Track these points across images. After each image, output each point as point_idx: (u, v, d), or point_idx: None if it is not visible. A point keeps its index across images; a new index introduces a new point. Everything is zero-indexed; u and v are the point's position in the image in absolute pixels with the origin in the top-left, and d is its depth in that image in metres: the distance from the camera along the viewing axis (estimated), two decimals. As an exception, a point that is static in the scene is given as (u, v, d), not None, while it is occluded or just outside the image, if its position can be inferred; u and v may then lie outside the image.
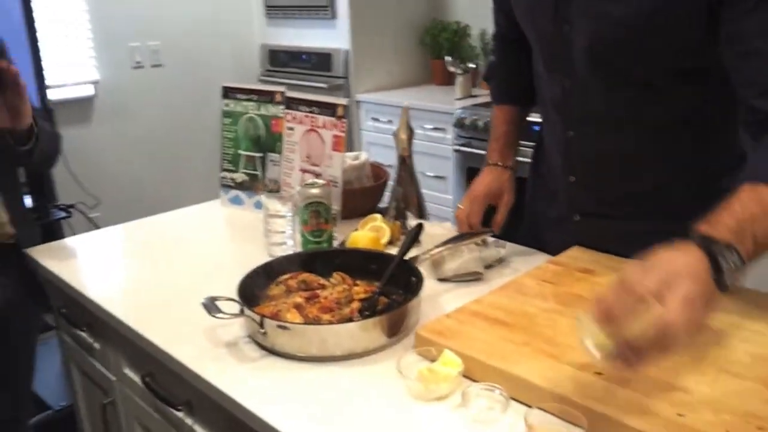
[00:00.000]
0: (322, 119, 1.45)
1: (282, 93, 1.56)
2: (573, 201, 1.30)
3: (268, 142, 1.61)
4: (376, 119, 3.61)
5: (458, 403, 0.88)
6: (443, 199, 3.33)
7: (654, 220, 1.17)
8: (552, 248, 1.31)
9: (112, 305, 1.20)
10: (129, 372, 1.25)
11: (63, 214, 2.02)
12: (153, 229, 1.62)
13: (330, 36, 3.63)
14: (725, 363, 0.88)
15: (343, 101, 1.43)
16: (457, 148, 3.19)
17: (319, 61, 3.68)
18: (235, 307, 1.04)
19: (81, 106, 3.37)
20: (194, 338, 1.07)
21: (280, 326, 0.99)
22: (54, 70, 3.12)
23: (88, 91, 3.36)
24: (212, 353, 1.03)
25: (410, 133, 1.41)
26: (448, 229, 1.44)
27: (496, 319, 1.02)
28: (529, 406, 0.84)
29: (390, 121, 3.49)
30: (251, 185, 1.64)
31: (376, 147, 3.51)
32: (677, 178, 1.19)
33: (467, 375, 0.93)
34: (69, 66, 3.28)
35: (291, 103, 1.51)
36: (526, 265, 1.27)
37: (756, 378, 0.85)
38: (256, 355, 1.02)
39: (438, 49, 3.74)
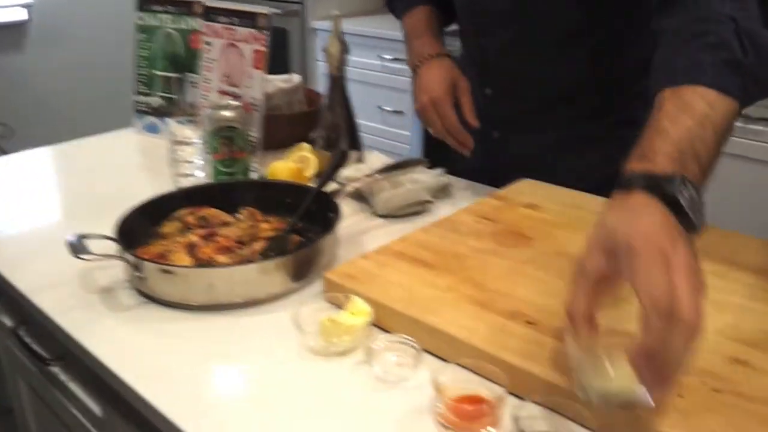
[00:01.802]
0: (241, 32, 1.26)
1: (200, 3, 1.36)
2: (491, 116, 1.19)
3: (186, 61, 1.42)
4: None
5: (362, 359, 0.73)
6: (401, 135, 3.15)
7: (574, 126, 1.13)
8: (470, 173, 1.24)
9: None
10: (6, 321, 1.09)
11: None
12: (54, 160, 1.43)
13: (285, -42, 3.36)
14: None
15: (264, 10, 1.24)
16: (419, 80, 2.99)
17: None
18: (112, 246, 0.88)
19: (11, 32, 3.09)
20: (67, 283, 0.90)
21: (158, 270, 0.83)
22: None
23: (21, 15, 3.08)
24: (83, 301, 0.86)
25: (343, 47, 1.23)
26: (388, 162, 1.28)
27: (420, 260, 0.87)
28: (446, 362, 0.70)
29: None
30: (168, 111, 1.45)
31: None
32: (593, 80, 1.11)
33: (380, 326, 0.78)
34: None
35: (210, 14, 1.31)
36: (471, 200, 1.11)
37: (714, 330, 0.72)
38: (131, 302, 0.86)
39: (402, -25, 3.49)
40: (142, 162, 1.41)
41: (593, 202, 1.02)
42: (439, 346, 0.72)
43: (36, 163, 1.40)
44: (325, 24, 3.38)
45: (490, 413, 0.62)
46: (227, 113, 1.12)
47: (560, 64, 1.10)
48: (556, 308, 0.72)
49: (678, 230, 0.59)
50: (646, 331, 0.53)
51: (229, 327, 0.81)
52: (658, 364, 0.53)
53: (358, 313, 0.77)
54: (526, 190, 1.09)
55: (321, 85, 1.40)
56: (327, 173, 1.02)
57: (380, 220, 1.08)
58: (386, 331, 0.78)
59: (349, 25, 3.26)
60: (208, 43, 1.32)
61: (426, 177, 1.13)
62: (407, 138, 3.13)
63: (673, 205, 0.60)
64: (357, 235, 1.03)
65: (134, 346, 0.78)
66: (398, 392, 0.69)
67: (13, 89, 3.13)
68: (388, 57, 3.12)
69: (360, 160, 1.27)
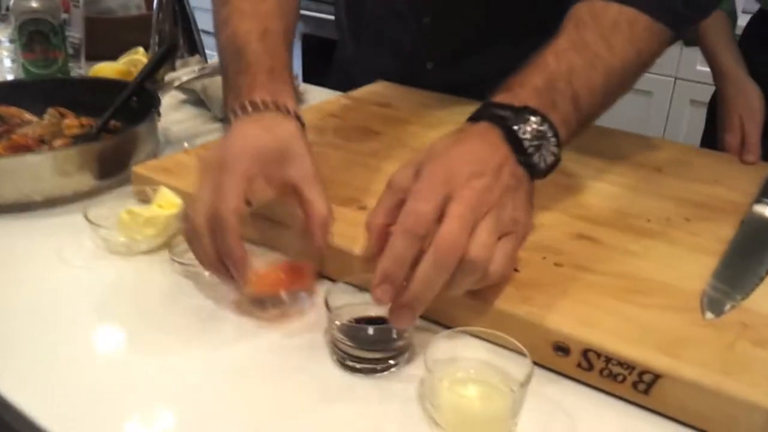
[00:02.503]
0: None
1: None
2: (426, 47, 1.01)
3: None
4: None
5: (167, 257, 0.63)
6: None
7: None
8: None
9: None
10: None
11: None
12: None
13: None
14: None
15: None
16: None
17: None
18: None
19: None
20: None
21: None
22: None
23: None
24: None
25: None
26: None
27: (248, 154, 0.76)
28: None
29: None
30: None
31: None
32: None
33: (194, 222, 0.67)
34: None
35: None
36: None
37: (561, 209, 0.66)
38: None
39: None
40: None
41: (454, 102, 0.95)
42: (257, 233, 0.63)
43: None
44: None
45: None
46: (34, 3, 0.97)
47: None
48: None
49: (503, 168, 0.50)
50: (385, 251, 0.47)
51: (19, 230, 0.68)
52: (397, 289, 0.46)
53: (165, 205, 0.66)
54: (381, 90, 1.00)
55: None
56: (149, 65, 0.88)
57: (218, 124, 0.97)
58: (202, 227, 0.67)
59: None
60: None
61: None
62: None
63: (513, 139, 0.52)
64: (189, 138, 0.91)
65: None
66: (208, 288, 0.59)
67: None
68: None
69: (201, 64, 1.14)
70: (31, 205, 0.71)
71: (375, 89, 1.00)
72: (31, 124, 0.84)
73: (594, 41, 0.60)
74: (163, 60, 0.90)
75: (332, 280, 0.57)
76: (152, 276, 0.61)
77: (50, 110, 0.86)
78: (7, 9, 1.21)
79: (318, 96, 1.07)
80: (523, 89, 0.55)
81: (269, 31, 0.67)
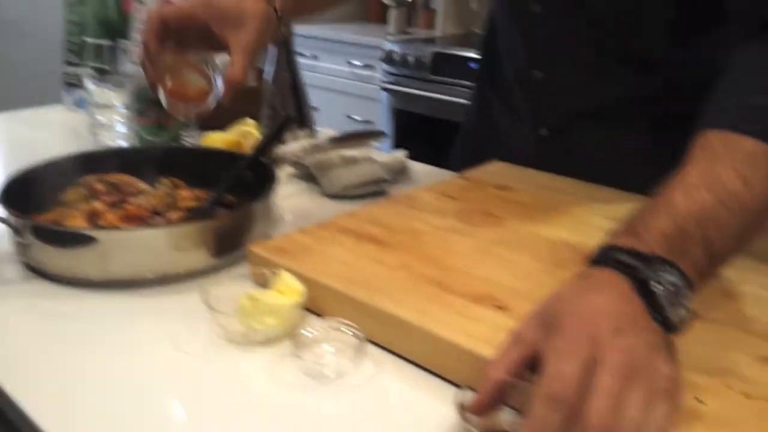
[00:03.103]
0: (179, -11, 1.11)
1: (137, -39, 1.21)
2: (539, 109, 0.97)
3: (120, 26, 1.26)
4: (299, 53, 3.25)
5: (291, 350, 0.58)
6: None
7: (640, 132, 0.87)
8: None
9: None
10: None
11: None
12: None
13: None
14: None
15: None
16: (386, 86, 2.87)
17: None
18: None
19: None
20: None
21: (39, 231, 0.66)
22: None
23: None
24: (-48, 271, 0.70)
25: None
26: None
27: (368, 236, 0.72)
28: (398, 356, 0.55)
29: (315, 57, 3.13)
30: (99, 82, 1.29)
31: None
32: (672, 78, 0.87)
33: (314, 310, 0.63)
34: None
35: (145, -29, 1.17)
36: (435, 180, 0.97)
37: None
38: (14, 276, 0.69)
39: (374, -19, 3.39)
40: (67, 140, 1.24)
41: (573, 185, 0.89)
42: (386, 333, 0.57)
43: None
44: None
45: None
46: (156, 72, 0.97)
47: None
48: (531, 292, 0.59)
49: (639, 323, 0.45)
50: (528, 419, 0.42)
51: (130, 309, 0.65)
52: None
53: (286, 291, 0.61)
54: (497, 171, 0.95)
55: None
56: (266, 139, 0.87)
57: (329, 201, 0.93)
58: (322, 316, 0.62)
59: (318, 31, 3.14)
60: (140, 2, 1.16)
61: (384, 156, 0.99)
62: (375, 148, 2.99)
63: (645, 293, 0.47)
64: (301, 216, 0.88)
65: (12, 328, 0.61)
66: (335, 391, 0.54)
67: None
68: (357, 63, 3.00)
69: (310, 138, 1.12)
70: (142, 282, 0.68)
71: (490, 169, 0.95)
72: (145, 193, 0.82)
73: (728, 177, 0.52)
74: (280, 134, 0.88)
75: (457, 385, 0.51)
76: (274, 373, 0.56)
77: (163, 180, 0.85)
78: (122, 73, 1.24)
79: (421, 171, 1.04)
80: (649, 233, 0.50)
81: None
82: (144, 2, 1.15)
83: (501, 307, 0.58)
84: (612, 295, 0.47)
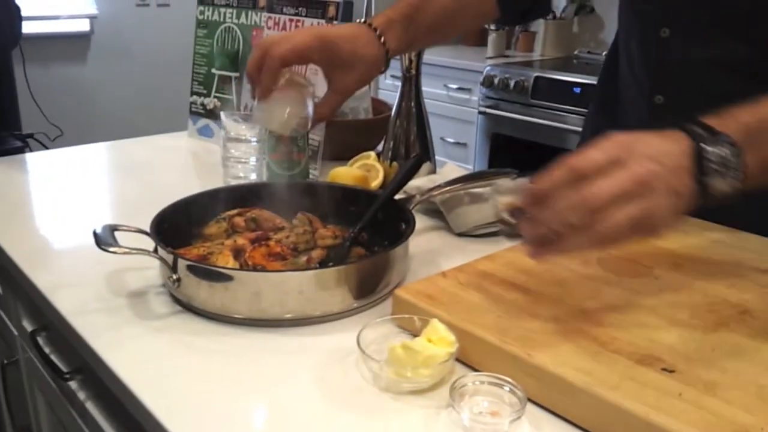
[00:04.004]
0: (309, 23, 1.13)
1: (266, -5, 1.25)
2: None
3: (246, 59, 1.30)
4: (396, 76, 3.28)
5: (446, 402, 0.57)
6: (464, 169, 2.99)
7: None
8: None
9: (9, 240, 0.90)
10: (26, 325, 0.96)
11: (18, 143, 1.74)
12: (99, 158, 1.33)
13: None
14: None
15: (335, -1, 1.12)
16: (483, 110, 2.85)
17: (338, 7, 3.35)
18: (149, 244, 0.74)
19: (74, 43, 3.08)
20: (92, 284, 0.77)
21: (194, 269, 0.68)
22: (46, 1, 2.85)
23: (83, 26, 3.07)
24: (108, 304, 0.73)
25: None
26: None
27: (513, 284, 0.70)
28: (558, 416, 0.53)
29: (412, 80, 3.14)
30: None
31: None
32: None
33: (464, 360, 0.62)
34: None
35: (275, 5, 1.20)
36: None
37: None
38: (164, 310, 0.71)
39: (471, 5, 3.38)
40: (192, 165, 1.29)
41: (717, 229, 0.84)
42: (547, 393, 0.56)
43: (80, 161, 1.29)
44: (389, 50, 3.28)
45: None
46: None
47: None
48: (698, 354, 0.56)
49: (678, 171, 0.54)
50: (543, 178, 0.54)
51: (277, 348, 0.66)
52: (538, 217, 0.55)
53: (438, 341, 0.60)
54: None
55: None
56: (398, 178, 0.87)
57: (457, 239, 0.93)
58: (472, 368, 0.61)
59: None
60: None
61: (513, 192, 0.97)
62: (469, 171, 2.98)
63: (698, 156, 0.55)
64: (430, 254, 0.88)
65: (160, 362, 0.63)
66: (493, 448, 0.53)
67: (72, 98, 3.10)
68: (453, 86, 3.00)
69: (432, 172, 1.12)
70: (285, 321, 0.69)
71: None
72: (284, 230, 0.84)
73: None
74: (413, 172, 0.88)
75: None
76: (430, 425, 0.55)
77: (300, 216, 0.87)
78: (250, 109, 1.28)
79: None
80: (731, 119, 0.57)
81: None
82: (274, 37, 1.18)
83: (669, 370, 0.55)
84: (667, 142, 0.55)
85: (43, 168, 1.25)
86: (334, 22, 1.10)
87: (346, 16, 1.08)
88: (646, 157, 0.53)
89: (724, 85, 0.85)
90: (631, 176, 0.52)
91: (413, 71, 1.08)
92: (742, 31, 0.83)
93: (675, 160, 0.54)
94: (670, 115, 0.91)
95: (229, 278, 0.67)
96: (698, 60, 0.88)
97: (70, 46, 3.07)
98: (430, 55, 3.05)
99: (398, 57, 1.10)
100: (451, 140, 3.06)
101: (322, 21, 1.11)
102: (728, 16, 0.84)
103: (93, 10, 3.05)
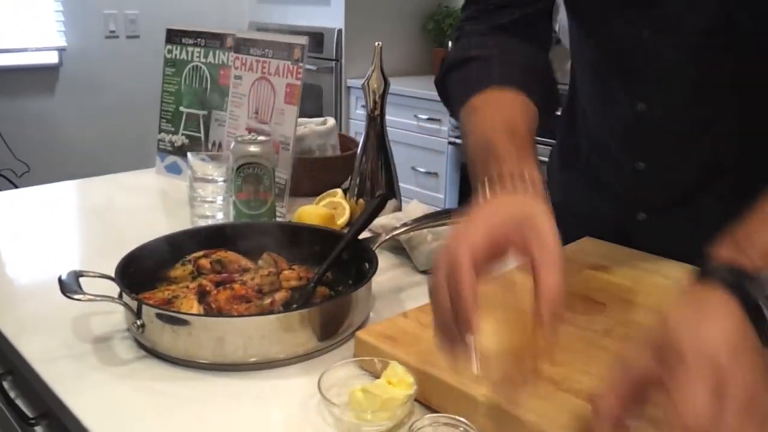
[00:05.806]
0: (275, 64, 1.16)
1: (234, 36, 1.27)
2: (639, 195, 0.96)
3: (213, 98, 1.32)
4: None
5: (404, 445, 0.59)
6: (435, 198, 3.04)
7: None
8: None
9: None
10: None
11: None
12: (64, 197, 1.33)
13: (323, 14, 3.34)
14: None
15: (302, 40, 1.14)
16: (453, 140, 2.90)
17: (309, 41, 3.40)
18: (115, 289, 0.75)
19: (43, 76, 3.08)
20: (58, 329, 0.77)
21: (159, 316, 0.69)
22: (14, 33, 2.85)
23: (52, 58, 3.07)
24: (73, 350, 0.73)
25: (384, 84, 1.12)
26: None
27: (472, 324, 0.72)
28: (511, 457, 0.55)
29: (382, 110, 3.19)
30: (192, 150, 1.34)
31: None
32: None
33: (424, 401, 0.63)
34: (32, 30, 2.99)
35: (242, 45, 1.22)
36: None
37: None
38: (129, 356, 0.72)
39: (441, 37, 3.45)
40: (159, 204, 1.30)
41: (667, 266, 0.88)
42: (503, 430, 0.57)
43: (45, 200, 1.29)
44: (360, 82, 3.33)
45: None
46: (253, 148, 1.01)
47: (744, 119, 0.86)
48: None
49: (751, 346, 0.47)
50: None
51: (241, 392, 0.67)
52: None
53: (398, 383, 0.62)
54: (590, 249, 0.95)
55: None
56: (362, 218, 0.89)
57: (421, 277, 0.94)
58: (432, 409, 0.63)
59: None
60: (237, 77, 1.22)
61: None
62: (441, 201, 3.01)
63: (754, 313, 0.48)
64: (394, 292, 0.89)
65: (125, 409, 0.64)
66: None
67: (40, 133, 3.09)
68: (423, 117, 3.04)
69: (398, 209, 1.14)
70: (248, 365, 0.70)
71: (584, 247, 0.95)
72: (249, 271, 0.85)
73: None
74: (378, 212, 0.90)
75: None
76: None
77: (265, 256, 0.88)
78: (218, 146, 1.29)
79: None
80: (753, 248, 0.51)
81: (516, 132, 0.71)
82: (242, 78, 1.20)
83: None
84: (726, 318, 0.48)
85: (9, 208, 1.24)
86: (300, 63, 1.12)
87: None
88: (732, 362, 0.45)
89: (707, 149, 0.88)
90: (740, 407, 0.44)
91: (377, 111, 1.11)
92: (724, 99, 0.85)
93: (743, 336, 0.47)
94: (659, 189, 0.93)
95: (192, 324, 0.68)
96: (679, 129, 0.89)
97: (38, 79, 3.07)
98: (400, 86, 3.12)
99: (365, 93, 1.13)
100: (422, 170, 3.09)
101: (288, 63, 1.13)
102: (709, 87, 0.84)
103: (62, 42, 3.06)
